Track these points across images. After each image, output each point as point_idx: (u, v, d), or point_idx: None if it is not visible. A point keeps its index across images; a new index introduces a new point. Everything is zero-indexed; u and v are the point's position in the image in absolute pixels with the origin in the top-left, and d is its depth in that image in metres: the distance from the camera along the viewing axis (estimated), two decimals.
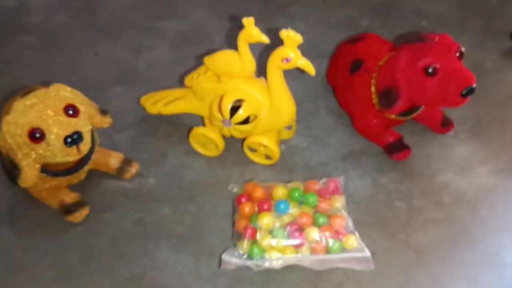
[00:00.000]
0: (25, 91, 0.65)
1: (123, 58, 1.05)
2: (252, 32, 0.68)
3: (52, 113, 0.62)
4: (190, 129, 0.82)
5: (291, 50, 0.68)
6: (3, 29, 1.14)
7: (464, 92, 0.67)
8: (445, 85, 0.67)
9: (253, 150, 0.81)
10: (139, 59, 1.04)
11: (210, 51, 0.77)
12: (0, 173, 0.80)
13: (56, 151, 0.62)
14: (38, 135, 0.61)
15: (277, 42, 0.69)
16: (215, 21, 1.13)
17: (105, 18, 1.17)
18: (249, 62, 0.72)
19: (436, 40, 0.69)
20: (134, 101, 0.93)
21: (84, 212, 0.73)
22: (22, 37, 1.11)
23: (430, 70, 0.68)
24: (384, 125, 0.81)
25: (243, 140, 0.81)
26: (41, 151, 0.62)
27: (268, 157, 0.81)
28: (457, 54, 0.68)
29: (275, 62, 0.69)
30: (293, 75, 0.95)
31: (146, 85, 0.96)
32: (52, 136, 0.61)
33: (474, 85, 0.67)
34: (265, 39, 0.68)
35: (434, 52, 0.68)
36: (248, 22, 0.68)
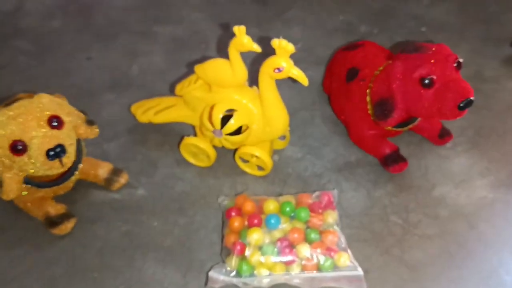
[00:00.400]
0: (8, 101, 0.63)
1: (116, 64, 1.03)
2: (243, 40, 0.66)
3: (35, 125, 0.60)
4: (182, 138, 0.80)
5: (283, 60, 0.66)
6: None
7: (461, 105, 0.64)
8: (442, 97, 0.65)
9: (245, 161, 0.79)
10: (133, 64, 1.03)
11: (204, 58, 0.75)
12: None
13: (38, 164, 0.60)
14: (20, 147, 0.59)
15: (270, 50, 0.67)
16: (211, 26, 1.11)
17: (101, 21, 1.15)
18: (241, 71, 0.70)
19: (433, 50, 0.67)
20: (126, 109, 0.91)
21: (69, 224, 0.71)
22: (16, 41, 1.10)
23: (426, 81, 0.66)
24: (380, 136, 0.79)
25: (235, 150, 0.79)
26: (23, 164, 0.61)
27: (260, 168, 0.79)
28: (455, 65, 0.66)
29: (267, 72, 0.67)
30: (288, 83, 0.93)
31: (139, 91, 0.95)
32: (34, 149, 0.59)
33: (472, 98, 0.64)
34: (256, 48, 0.66)
35: (431, 62, 0.66)
36: (239, 30, 0.66)
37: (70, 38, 1.11)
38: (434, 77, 0.65)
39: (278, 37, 0.65)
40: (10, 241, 0.72)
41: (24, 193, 0.70)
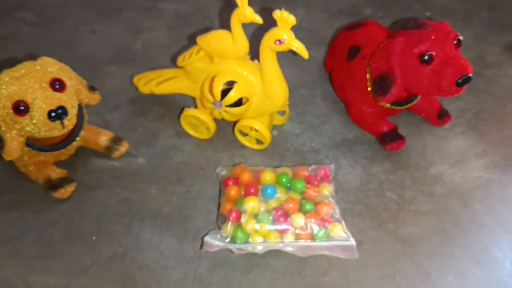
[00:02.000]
0: (12, 63, 0.64)
1: (120, 38, 1.04)
2: (245, 11, 0.67)
3: (38, 86, 0.61)
4: (182, 110, 0.81)
5: (285, 32, 0.66)
6: (3, 5, 1.13)
7: (459, 81, 0.65)
8: (440, 73, 0.66)
9: (244, 134, 0.80)
10: (137, 39, 1.03)
11: (207, 29, 0.75)
12: None
13: (39, 125, 0.61)
14: (22, 107, 0.60)
15: (271, 24, 0.68)
16: (215, 3, 1.12)
17: None
18: (242, 43, 0.70)
19: (433, 27, 0.67)
20: (128, 81, 0.92)
21: (70, 188, 0.72)
22: (20, 13, 1.10)
23: (425, 58, 0.66)
24: (379, 114, 0.80)
25: (235, 124, 0.80)
26: (24, 124, 0.62)
27: (259, 141, 0.80)
28: (455, 42, 0.66)
29: (268, 44, 0.68)
30: (290, 60, 0.94)
31: (141, 65, 0.96)
32: (36, 110, 0.60)
33: (470, 74, 0.65)
34: (258, 19, 0.67)
35: (431, 39, 0.66)
36: (242, 1, 0.66)
37: (74, 11, 1.11)
38: (434, 53, 0.66)
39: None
40: (10, 204, 0.73)
41: (25, 157, 0.71)
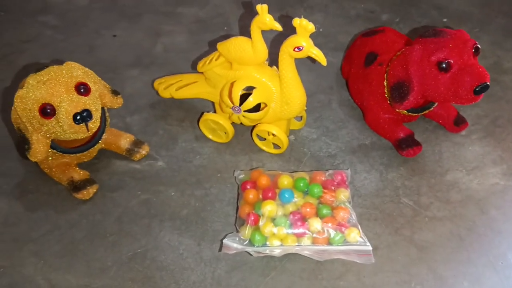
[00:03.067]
0: (38, 67, 0.66)
1: (141, 42, 1.06)
2: (265, 19, 0.68)
3: (64, 90, 0.63)
4: (201, 115, 0.82)
5: (304, 39, 0.68)
6: (25, 8, 1.16)
7: (477, 89, 0.65)
8: (458, 81, 0.66)
9: (262, 138, 0.81)
10: (157, 43, 1.05)
11: (227, 36, 0.77)
12: (14, 149, 0.82)
13: (65, 128, 0.63)
14: (48, 110, 0.62)
15: (290, 31, 0.69)
16: (234, 9, 1.13)
17: (126, 1, 1.18)
18: (262, 49, 0.72)
19: (451, 35, 0.68)
20: (148, 85, 0.94)
21: (92, 189, 0.74)
22: (43, 17, 1.13)
23: (443, 65, 0.67)
24: (396, 120, 0.80)
25: (253, 128, 0.81)
26: (51, 127, 0.64)
27: (276, 146, 0.81)
28: (473, 50, 0.67)
29: (287, 50, 0.69)
30: (307, 66, 0.95)
31: (161, 69, 0.97)
32: (62, 113, 0.62)
33: (488, 82, 0.65)
34: (278, 26, 0.68)
35: (449, 47, 0.67)
36: (262, 8, 0.67)
37: (96, 15, 1.14)
38: (451, 61, 0.66)
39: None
40: (33, 204, 0.75)
41: (49, 158, 0.73)
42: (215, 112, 0.84)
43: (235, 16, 1.11)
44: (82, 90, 0.64)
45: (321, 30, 1.06)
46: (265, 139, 0.81)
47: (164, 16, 1.13)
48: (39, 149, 0.66)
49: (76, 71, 0.66)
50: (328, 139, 0.84)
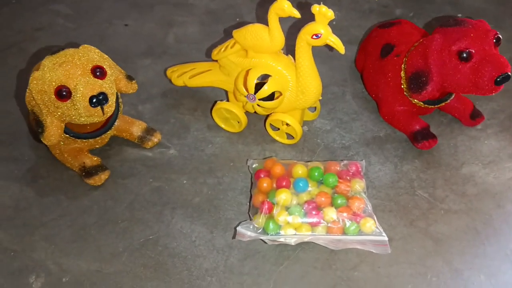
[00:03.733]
0: (54, 50, 0.65)
1: (152, 32, 1.05)
2: (283, 5, 0.67)
3: (80, 73, 0.62)
4: (214, 104, 0.82)
5: (322, 27, 0.67)
6: None
7: (498, 79, 0.64)
8: (479, 71, 0.65)
9: (275, 128, 0.81)
10: (169, 33, 1.05)
11: (241, 24, 0.76)
12: (27, 134, 0.82)
13: (81, 111, 0.62)
14: (64, 93, 0.62)
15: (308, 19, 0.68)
16: (246, 1, 1.12)
17: None
18: (279, 37, 0.71)
19: (472, 24, 0.67)
20: (160, 74, 0.93)
21: (104, 176, 0.73)
22: (55, 5, 1.12)
23: (464, 55, 0.66)
24: (411, 113, 0.79)
25: (266, 118, 0.80)
26: (66, 110, 0.63)
27: (290, 136, 0.80)
28: (494, 41, 0.66)
29: (305, 38, 0.68)
30: (321, 59, 0.94)
31: (173, 59, 0.97)
32: (78, 95, 0.61)
33: (509, 73, 0.64)
34: (296, 13, 0.67)
35: (470, 36, 0.66)
36: None
37: (107, 5, 1.13)
38: (473, 50, 0.65)
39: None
40: (45, 189, 0.74)
41: (61, 143, 0.72)
42: (228, 101, 0.83)
43: (247, 7, 1.10)
44: (98, 73, 0.63)
45: (334, 23, 1.05)
46: (278, 129, 0.80)
47: (175, 7, 1.12)
48: (53, 132, 0.65)
49: (93, 55, 0.65)
50: (342, 131, 0.83)
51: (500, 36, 0.67)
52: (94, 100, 0.61)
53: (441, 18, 1.07)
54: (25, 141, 0.81)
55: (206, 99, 0.88)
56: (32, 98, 0.66)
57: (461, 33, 0.66)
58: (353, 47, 0.99)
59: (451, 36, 0.67)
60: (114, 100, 0.65)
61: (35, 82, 0.63)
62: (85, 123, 0.65)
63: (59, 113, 0.64)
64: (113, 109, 0.65)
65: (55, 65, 0.62)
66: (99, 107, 0.62)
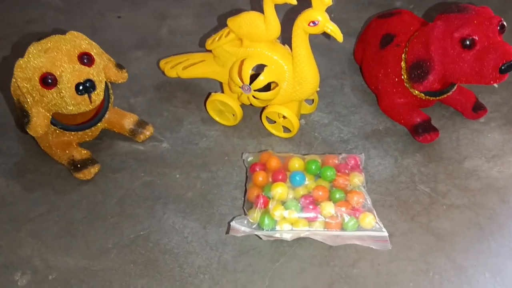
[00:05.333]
0: (40, 36, 0.62)
1: (146, 24, 1.03)
2: None
3: (66, 59, 0.60)
4: (208, 96, 0.79)
5: (319, 13, 0.64)
6: None
7: (503, 67, 0.62)
8: (483, 59, 0.63)
9: (271, 121, 0.78)
10: (162, 26, 1.02)
11: (236, 11, 0.74)
12: (15, 127, 0.79)
13: (67, 99, 0.60)
14: (50, 80, 0.59)
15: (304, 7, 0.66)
16: None
17: None
18: (274, 25, 0.68)
19: (476, 11, 0.64)
20: (153, 66, 0.91)
21: (93, 169, 0.71)
22: None
23: (467, 43, 0.63)
24: (412, 105, 0.77)
25: (262, 110, 0.77)
26: (52, 98, 0.60)
27: (286, 130, 0.78)
28: (498, 28, 0.63)
29: (302, 25, 0.66)
30: (319, 51, 0.92)
31: (167, 51, 0.94)
32: (64, 82, 0.59)
33: None
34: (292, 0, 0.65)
35: (473, 23, 0.63)
36: None
37: None
38: (476, 38, 0.63)
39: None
40: (32, 184, 0.72)
41: (49, 137, 0.70)
42: (223, 93, 0.80)
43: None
44: (85, 60, 0.61)
45: (332, 15, 1.03)
46: (274, 122, 0.77)
47: None
48: (39, 123, 0.62)
49: (80, 41, 0.62)
50: (340, 124, 0.80)
51: (505, 23, 0.64)
52: (81, 88, 0.59)
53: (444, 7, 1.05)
54: (13, 134, 0.78)
55: (201, 91, 0.86)
56: (17, 87, 0.63)
57: (464, 20, 0.64)
58: (352, 39, 0.96)
59: (453, 23, 0.64)
60: (103, 88, 0.63)
61: (19, 69, 0.60)
62: (73, 112, 0.63)
63: (44, 102, 0.61)
64: (102, 97, 0.62)
65: (40, 51, 0.59)
66: (86, 95, 0.60)
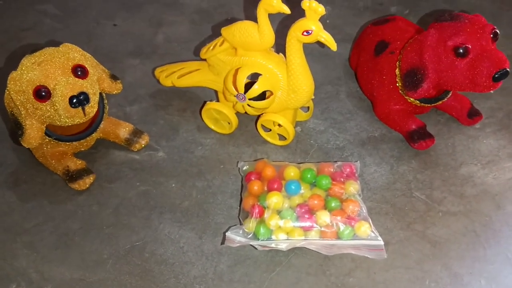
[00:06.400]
0: (34, 49, 0.62)
1: (141, 32, 1.03)
2: (272, 1, 0.65)
3: (60, 72, 0.60)
4: (204, 104, 0.79)
5: (313, 23, 0.64)
6: None
7: (496, 75, 0.62)
8: (476, 67, 0.63)
9: (267, 129, 0.78)
10: (158, 33, 1.02)
11: (230, 20, 0.74)
12: (8, 138, 0.79)
13: (60, 112, 0.59)
14: (43, 93, 0.59)
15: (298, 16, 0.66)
16: (237, 0, 1.10)
17: None
18: (268, 34, 0.68)
19: (469, 19, 0.64)
20: (149, 74, 0.91)
21: (88, 180, 0.71)
22: (42, 5, 1.10)
23: (460, 51, 0.63)
24: (407, 112, 0.77)
25: (257, 118, 0.77)
26: (45, 111, 0.60)
27: (282, 137, 0.78)
28: (491, 36, 0.64)
29: (295, 35, 0.66)
30: (314, 57, 0.92)
31: (162, 59, 0.94)
32: (58, 95, 0.59)
33: (507, 69, 0.62)
34: (286, 9, 0.65)
35: (466, 31, 0.63)
36: None
37: (95, 4, 1.11)
38: (469, 46, 0.63)
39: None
40: (27, 194, 0.72)
41: (44, 147, 0.70)
42: (218, 101, 0.80)
43: (239, 6, 1.08)
44: (79, 73, 0.61)
45: (328, 21, 1.03)
46: (270, 130, 0.77)
47: (165, 6, 1.10)
48: (32, 135, 0.62)
49: (73, 53, 0.62)
50: (336, 131, 0.80)
51: (498, 31, 0.64)
52: (75, 101, 0.59)
53: (437, 15, 1.05)
54: (7, 144, 0.78)
55: (196, 99, 0.86)
56: (10, 100, 0.63)
57: (457, 28, 0.64)
58: (347, 45, 0.97)
59: (446, 31, 0.65)
60: (97, 100, 0.63)
61: (13, 82, 0.60)
62: (67, 124, 0.63)
63: (38, 115, 0.61)
64: (96, 109, 0.62)
65: (34, 64, 0.59)
66: (80, 108, 0.60)
